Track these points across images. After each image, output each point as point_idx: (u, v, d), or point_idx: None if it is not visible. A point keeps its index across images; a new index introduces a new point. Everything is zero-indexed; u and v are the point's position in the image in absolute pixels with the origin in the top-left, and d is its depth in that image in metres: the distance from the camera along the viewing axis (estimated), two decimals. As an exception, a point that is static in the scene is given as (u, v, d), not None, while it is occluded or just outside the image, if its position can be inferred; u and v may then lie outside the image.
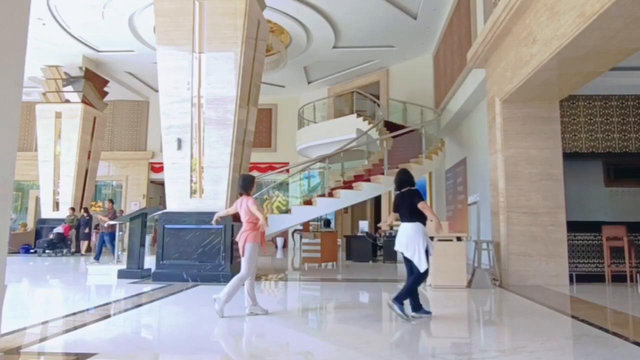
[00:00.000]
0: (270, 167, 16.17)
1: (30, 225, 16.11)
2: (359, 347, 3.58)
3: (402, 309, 4.38)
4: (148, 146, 18.01)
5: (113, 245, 10.93)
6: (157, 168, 17.36)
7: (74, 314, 4.71)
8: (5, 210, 2.60)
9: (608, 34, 4.64)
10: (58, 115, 13.56)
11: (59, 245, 12.73)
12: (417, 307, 4.59)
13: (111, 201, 12.26)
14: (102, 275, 8.61)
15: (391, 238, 11.06)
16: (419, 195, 4.73)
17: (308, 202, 9.67)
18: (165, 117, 7.46)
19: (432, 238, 6.33)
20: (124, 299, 5.77)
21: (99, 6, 10.48)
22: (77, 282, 7.86)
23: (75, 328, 4.07)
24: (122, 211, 16.36)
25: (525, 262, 6.84)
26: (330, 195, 9.30)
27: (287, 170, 13.06)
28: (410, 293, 4.57)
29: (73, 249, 13.26)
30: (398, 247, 4.73)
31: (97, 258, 11.26)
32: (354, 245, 11.52)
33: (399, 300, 4.45)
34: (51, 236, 12.69)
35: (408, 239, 4.59)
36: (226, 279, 6.97)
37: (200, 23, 7.40)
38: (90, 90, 13.94)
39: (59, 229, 12.81)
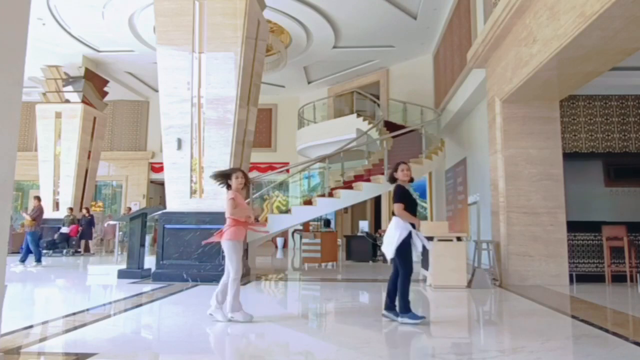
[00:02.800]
0: (270, 167, 16.17)
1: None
2: (359, 347, 3.58)
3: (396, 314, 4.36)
4: (148, 146, 18.01)
5: (35, 246, 10.05)
6: (157, 168, 17.37)
7: (74, 314, 4.71)
8: (6, 210, 2.60)
9: (608, 34, 4.64)
10: (58, 115, 13.57)
11: (60, 245, 12.74)
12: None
13: (38, 198, 10.94)
14: (102, 275, 8.62)
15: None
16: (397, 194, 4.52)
17: (308, 202, 9.66)
18: (165, 117, 7.46)
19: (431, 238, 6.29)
20: (124, 299, 5.77)
21: (99, 6, 10.48)
22: (77, 282, 7.86)
23: (75, 328, 4.07)
24: (129, 209, 16.22)
25: (525, 262, 6.84)
26: (330, 195, 9.29)
27: (287, 170, 13.05)
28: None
29: (79, 249, 13.27)
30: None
31: (38, 260, 10.11)
32: (354, 245, 11.51)
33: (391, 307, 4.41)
34: (55, 236, 12.69)
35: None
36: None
37: (200, 23, 7.40)
38: (90, 90, 13.94)
39: (65, 230, 12.81)
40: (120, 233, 12.25)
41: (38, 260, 10.12)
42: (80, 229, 13.12)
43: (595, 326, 4.15)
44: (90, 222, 13.56)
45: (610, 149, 7.91)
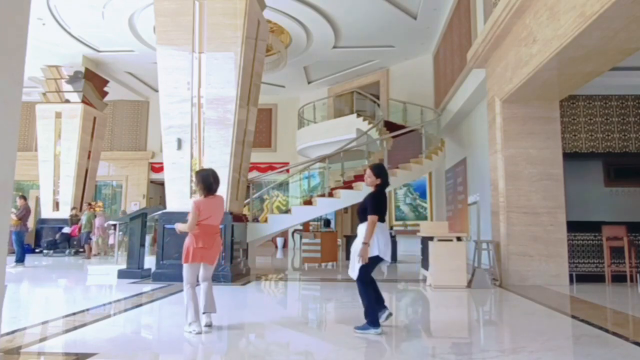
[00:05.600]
0: (270, 167, 16.17)
1: (30, 225, 16.08)
2: (359, 347, 3.58)
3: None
4: (148, 146, 18.01)
5: (19, 246, 9.90)
6: (157, 168, 17.36)
7: (74, 314, 4.71)
8: (6, 210, 2.60)
9: (608, 34, 4.64)
10: (58, 115, 13.56)
11: (61, 245, 12.73)
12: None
13: (23, 197, 10.69)
14: (102, 275, 8.62)
15: (391, 238, 11.05)
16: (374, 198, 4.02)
17: (308, 202, 9.66)
18: (165, 117, 7.46)
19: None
20: (124, 299, 5.77)
21: (99, 6, 10.48)
22: (77, 282, 7.86)
23: (75, 328, 4.07)
24: (89, 205, 15.32)
25: (525, 262, 6.84)
26: (330, 195, 9.29)
27: (287, 170, 13.05)
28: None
29: (81, 249, 13.23)
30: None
31: (21, 260, 9.92)
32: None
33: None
34: (57, 236, 12.67)
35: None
36: (226, 279, 6.99)
37: (200, 23, 7.39)
38: (90, 90, 13.94)
39: (67, 230, 12.76)
40: (120, 233, 12.23)
41: (21, 260, 9.92)
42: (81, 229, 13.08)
43: (595, 326, 4.15)
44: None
45: (610, 149, 7.91)
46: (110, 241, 12.84)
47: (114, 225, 12.68)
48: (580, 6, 4.54)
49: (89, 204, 13.07)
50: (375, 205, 3.93)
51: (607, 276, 7.00)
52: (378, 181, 4.03)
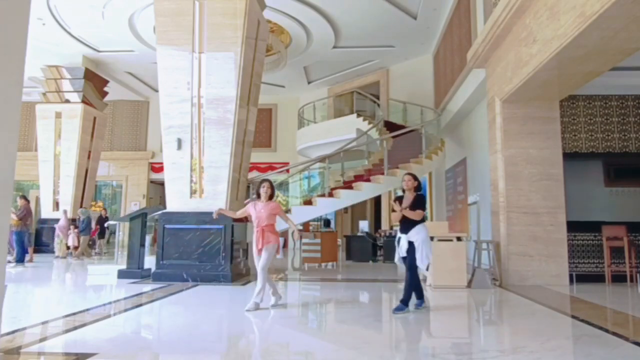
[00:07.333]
0: (270, 167, 16.17)
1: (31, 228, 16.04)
2: (359, 347, 3.58)
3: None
4: (148, 146, 18.01)
5: (19, 246, 9.99)
6: (157, 168, 17.36)
7: (74, 314, 4.71)
8: (6, 210, 2.60)
9: (608, 34, 4.65)
10: (58, 115, 13.54)
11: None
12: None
13: (24, 197, 10.76)
14: (102, 275, 8.61)
15: (391, 238, 11.06)
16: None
17: (308, 202, 9.67)
18: (165, 117, 7.46)
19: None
20: (124, 299, 5.77)
21: (99, 6, 10.48)
22: (77, 282, 7.86)
23: (75, 328, 4.07)
24: (23, 198, 12.65)
25: (525, 262, 6.84)
26: (330, 195, 9.30)
27: (287, 170, 13.06)
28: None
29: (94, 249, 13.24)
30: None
31: (21, 260, 10.03)
32: (354, 245, 11.51)
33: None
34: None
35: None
36: (226, 279, 7.00)
37: (200, 23, 7.39)
38: (90, 90, 13.92)
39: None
40: (120, 234, 12.19)
41: (20, 260, 10.00)
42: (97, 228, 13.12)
43: (595, 326, 4.15)
44: (104, 222, 13.61)
45: (610, 149, 7.91)
46: (69, 242, 12.09)
47: (75, 226, 12.37)
48: (580, 6, 4.54)
49: (22, 197, 11.49)
50: (424, 204, 5.05)
51: (607, 276, 7.00)
52: (416, 183, 5.06)
